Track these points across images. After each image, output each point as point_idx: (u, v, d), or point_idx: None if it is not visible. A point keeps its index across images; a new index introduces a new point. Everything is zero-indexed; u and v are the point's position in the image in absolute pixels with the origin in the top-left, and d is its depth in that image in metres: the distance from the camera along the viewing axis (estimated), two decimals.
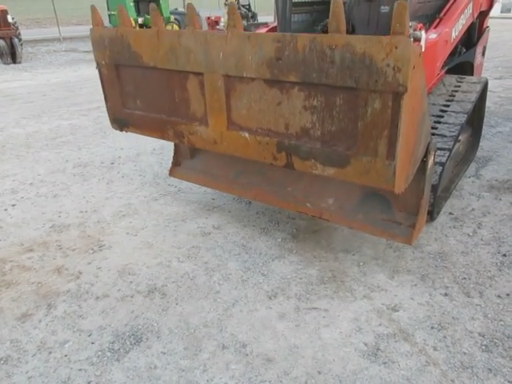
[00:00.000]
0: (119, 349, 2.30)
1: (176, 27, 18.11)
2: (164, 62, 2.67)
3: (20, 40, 12.95)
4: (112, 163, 4.88)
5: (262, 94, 2.40)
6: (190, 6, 2.53)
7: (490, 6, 4.92)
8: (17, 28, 12.88)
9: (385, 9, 3.67)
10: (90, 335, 2.40)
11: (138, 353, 2.28)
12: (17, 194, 4.14)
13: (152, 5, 2.75)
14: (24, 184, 4.37)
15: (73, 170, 4.73)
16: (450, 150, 3.23)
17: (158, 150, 5.24)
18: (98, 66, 3.09)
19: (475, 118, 4.45)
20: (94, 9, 2.85)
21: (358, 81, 2.01)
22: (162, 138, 3.05)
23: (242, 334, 2.39)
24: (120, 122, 3.28)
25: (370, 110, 2.06)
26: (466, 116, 3.47)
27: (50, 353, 2.28)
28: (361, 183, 2.35)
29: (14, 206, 3.91)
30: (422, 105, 2.19)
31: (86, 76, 10.52)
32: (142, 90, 2.99)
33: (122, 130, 3.26)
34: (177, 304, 2.63)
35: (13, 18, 12.52)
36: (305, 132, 2.35)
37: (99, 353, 2.28)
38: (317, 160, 2.37)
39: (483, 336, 2.36)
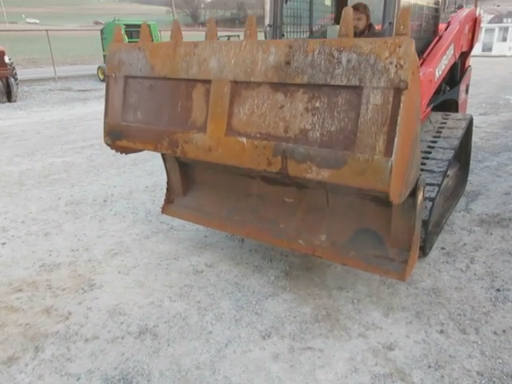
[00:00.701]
0: None
1: None
2: (175, 72, 2.85)
3: (16, 79, 13.15)
4: (105, 201, 4.87)
5: (266, 98, 2.53)
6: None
7: (471, 47, 5.12)
8: (13, 68, 13.10)
9: None
10: (78, 379, 2.33)
11: None
12: (7, 233, 4.10)
13: (174, 20, 3.09)
14: (15, 222, 4.33)
15: (65, 207, 4.71)
16: (439, 185, 3.27)
17: (151, 188, 5.25)
18: (107, 79, 3.24)
19: (462, 154, 4.54)
20: (117, 27, 3.18)
21: (362, 79, 2.16)
22: (155, 149, 3.10)
23: (236, 377, 2.34)
24: (115, 134, 3.33)
25: (371, 106, 2.18)
26: (453, 152, 3.54)
27: None
28: (356, 185, 2.36)
29: (3, 244, 3.87)
30: (416, 119, 2.30)
31: (79, 114, 10.63)
32: (145, 101, 3.12)
33: (113, 145, 3.31)
34: (168, 345, 2.58)
35: (10, 59, 12.75)
36: (304, 134, 2.44)
37: None
38: (312, 162, 2.41)
39: (481, 375, 2.32)
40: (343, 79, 2.22)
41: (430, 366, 2.39)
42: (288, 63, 2.35)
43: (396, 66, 2.05)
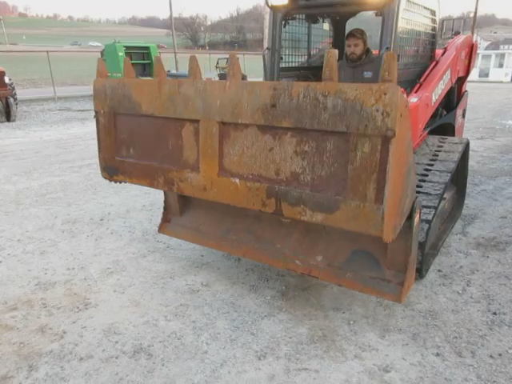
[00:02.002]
0: None
1: None
2: (162, 111, 2.81)
3: (15, 100, 13.25)
4: (101, 219, 4.88)
5: (254, 140, 2.49)
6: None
7: (467, 73, 5.22)
8: (13, 88, 13.21)
9: (368, 74, 3.87)
10: None
11: None
12: (3, 251, 4.08)
13: (157, 57, 3.02)
14: (11, 240, 4.32)
15: (61, 226, 4.70)
16: (436, 208, 3.29)
17: (148, 207, 5.26)
18: (96, 115, 3.22)
19: (459, 177, 4.59)
20: (100, 60, 3.09)
21: (348, 125, 2.12)
22: (152, 185, 3.09)
23: None
24: (111, 169, 3.33)
25: (359, 153, 2.16)
26: (449, 175, 3.58)
27: None
28: (349, 229, 2.38)
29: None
30: (408, 156, 2.29)
31: (78, 134, 10.70)
32: (137, 138, 3.09)
33: (111, 179, 3.30)
34: (163, 365, 2.55)
35: (10, 79, 12.87)
36: (295, 177, 2.42)
37: None
38: (306, 205, 2.42)
39: None
40: (330, 125, 2.19)
41: None
42: (274, 106, 2.32)
43: (382, 114, 2.01)
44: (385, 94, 1.98)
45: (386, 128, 2.02)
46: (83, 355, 2.64)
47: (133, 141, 3.13)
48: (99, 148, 3.29)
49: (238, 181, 2.61)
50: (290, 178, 2.44)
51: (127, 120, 3.08)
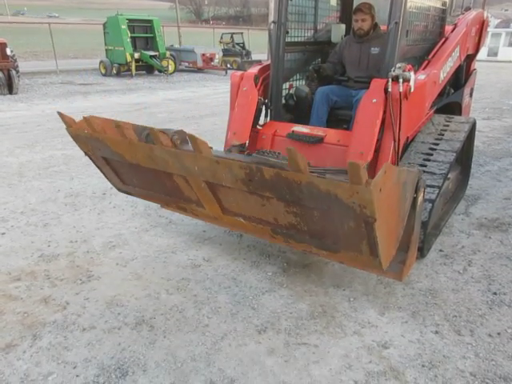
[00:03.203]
0: (104, 382, 2.24)
1: (171, 63, 18.52)
2: (146, 164, 2.74)
3: (17, 72, 13.10)
4: (104, 194, 4.88)
5: (245, 197, 2.47)
6: (154, 131, 2.56)
7: (477, 50, 5.12)
8: (15, 60, 13.05)
9: (375, 50, 3.80)
10: (74, 367, 2.34)
11: None
12: (7, 223, 4.10)
13: (116, 122, 2.77)
14: (15, 213, 4.34)
15: (64, 199, 4.71)
16: (440, 188, 3.28)
17: None
18: (86, 155, 3.16)
19: (464, 157, 4.55)
20: (61, 114, 2.96)
21: (330, 207, 2.08)
22: (168, 207, 3.30)
23: (230, 370, 2.35)
24: (124, 192, 3.46)
25: (346, 226, 2.17)
26: (454, 154, 3.54)
27: None
28: (354, 267, 2.64)
29: (3, 234, 3.87)
30: (399, 205, 2.28)
31: (81, 108, 10.62)
32: (135, 174, 3.08)
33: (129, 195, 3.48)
34: (164, 337, 2.59)
35: (11, 51, 12.70)
36: (293, 226, 2.47)
37: None
38: (311, 245, 2.53)
39: (474, 376, 2.33)
40: (311, 203, 2.14)
41: (423, 366, 2.40)
42: (251, 180, 2.26)
43: (360, 206, 1.95)
44: (357, 192, 1.90)
45: (365, 216, 1.97)
46: (86, 326, 2.68)
47: (133, 176, 3.11)
48: (105, 176, 3.36)
49: (242, 219, 2.70)
50: (289, 226, 2.49)
51: (117, 162, 3.03)
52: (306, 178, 2.01)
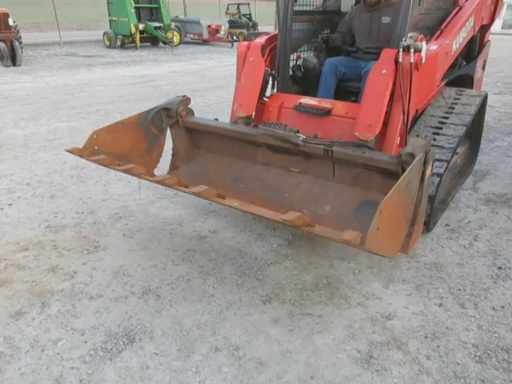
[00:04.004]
0: (112, 348, 2.29)
1: (177, 34, 18.24)
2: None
3: (20, 43, 12.93)
4: None
5: None
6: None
7: (492, 20, 4.96)
8: (18, 31, 12.86)
9: (386, 19, 3.70)
10: (83, 334, 2.38)
11: (130, 353, 2.26)
12: (13, 194, 4.12)
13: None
14: (21, 184, 4.36)
15: (70, 171, 4.72)
16: (448, 162, 3.25)
17: None
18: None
19: (474, 132, 4.49)
20: (68, 151, 3.04)
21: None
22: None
23: (235, 338, 2.38)
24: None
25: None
26: (464, 128, 3.50)
27: (43, 350, 2.27)
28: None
29: (10, 205, 3.90)
30: (404, 207, 2.32)
31: (85, 80, 10.54)
32: None
33: None
34: (171, 306, 2.62)
35: (14, 22, 12.52)
36: None
37: (92, 352, 2.26)
38: None
39: (477, 347, 2.36)
40: None
41: (426, 337, 2.43)
42: None
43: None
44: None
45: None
46: (93, 294, 2.72)
47: None
48: None
49: None
50: None
51: None
52: (310, 229, 2.16)
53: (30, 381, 2.10)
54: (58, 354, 2.25)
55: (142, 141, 3.46)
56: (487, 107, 4.54)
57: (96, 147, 3.10)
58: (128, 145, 3.35)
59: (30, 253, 3.15)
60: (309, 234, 2.29)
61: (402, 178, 2.18)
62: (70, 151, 3.02)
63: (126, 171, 2.81)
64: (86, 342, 2.32)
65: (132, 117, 3.39)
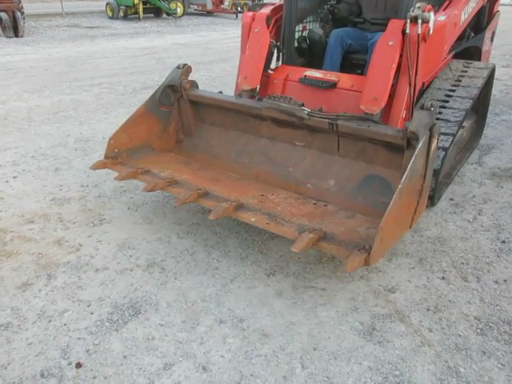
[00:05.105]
0: (118, 320, 2.33)
1: (180, 5, 17.90)
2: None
3: (22, 14, 12.74)
4: None
5: None
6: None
7: None
8: (19, 1, 12.67)
9: None
10: (89, 306, 2.42)
11: (136, 324, 2.30)
12: (18, 167, 4.13)
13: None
14: (25, 157, 4.36)
15: (74, 144, 4.71)
16: (454, 136, 3.21)
17: None
18: None
19: (480, 105, 4.42)
20: (93, 167, 3.21)
21: None
22: None
23: (240, 310, 2.42)
24: None
25: None
26: (471, 101, 3.44)
27: (50, 321, 2.31)
28: None
29: (15, 178, 3.91)
30: (410, 195, 2.43)
31: (88, 52, 10.42)
32: None
33: None
34: (175, 278, 2.65)
35: None
36: None
37: (98, 323, 2.30)
38: None
39: (479, 320, 2.38)
40: None
41: (428, 309, 2.45)
42: None
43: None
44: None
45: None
46: (99, 267, 2.75)
47: None
48: None
49: None
50: None
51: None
52: (320, 247, 2.34)
53: (38, 350, 2.14)
54: (65, 324, 2.29)
55: (156, 124, 3.51)
56: (494, 80, 4.46)
57: (116, 150, 3.24)
58: (145, 134, 3.43)
59: (35, 225, 3.17)
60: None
61: (403, 178, 2.23)
62: (95, 168, 3.14)
63: (151, 190, 2.89)
64: (92, 314, 2.36)
65: (140, 108, 3.40)
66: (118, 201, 3.54)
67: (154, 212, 3.38)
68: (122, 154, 3.27)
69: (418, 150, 2.32)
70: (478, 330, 2.31)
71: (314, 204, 2.80)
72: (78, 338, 2.20)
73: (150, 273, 2.70)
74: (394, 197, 2.16)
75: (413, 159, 2.29)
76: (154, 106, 3.44)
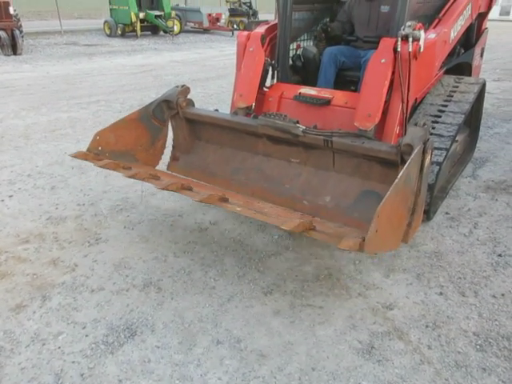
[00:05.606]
0: (113, 342, 2.30)
1: (177, 23, 18.09)
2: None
3: (21, 32, 12.87)
4: None
5: None
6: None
7: (489, 8, 4.94)
8: (18, 20, 12.80)
9: (385, 8, 3.67)
10: (84, 328, 2.40)
11: (132, 346, 2.28)
12: (14, 185, 4.13)
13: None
14: (22, 175, 4.36)
15: (71, 162, 4.71)
16: (447, 150, 3.24)
17: None
18: None
19: (473, 119, 4.47)
20: (74, 155, 3.14)
21: None
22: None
23: (237, 330, 2.40)
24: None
25: None
26: (463, 116, 3.48)
27: (44, 344, 2.28)
28: None
29: (11, 196, 3.90)
30: (404, 201, 2.38)
31: (85, 70, 10.49)
32: None
33: None
34: (172, 298, 2.64)
35: (15, 10, 12.44)
36: None
37: (93, 345, 2.28)
38: None
39: (478, 335, 2.37)
40: None
41: (427, 326, 2.44)
42: None
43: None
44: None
45: None
46: (95, 287, 2.73)
47: None
48: None
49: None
50: None
51: None
52: (310, 234, 2.26)
53: (31, 376, 2.11)
54: (59, 347, 2.26)
55: (145, 135, 3.48)
56: (486, 94, 4.52)
57: (100, 148, 3.18)
58: (131, 141, 3.38)
59: (30, 245, 3.16)
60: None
61: (399, 176, 2.19)
62: (75, 156, 3.09)
63: (131, 177, 2.86)
64: (87, 336, 2.34)
65: (133, 113, 3.39)
66: (114, 219, 3.53)
67: (150, 230, 3.37)
68: (105, 154, 3.20)
69: (413, 155, 2.33)
70: (478, 346, 2.30)
71: (301, 214, 2.79)
72: (73, 362, 2.18)
73: (146, 293, 2.68)
74: (390, 191, 2.11)
75: (408, 162, 2.29)
76: (146, 116, 3.43)
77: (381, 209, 2.00)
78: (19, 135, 5.58)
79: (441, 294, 2.70)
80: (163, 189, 2.70)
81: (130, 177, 2.83)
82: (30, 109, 6.87)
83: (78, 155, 3.09)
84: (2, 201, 3.82)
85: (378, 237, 2.03)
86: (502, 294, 2.69)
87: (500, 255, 3.07)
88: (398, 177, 2.19)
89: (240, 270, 2.91)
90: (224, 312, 2.53)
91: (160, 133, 3.55)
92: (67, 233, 3.33)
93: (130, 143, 3.37)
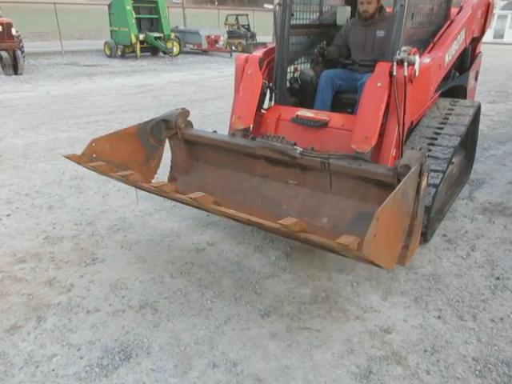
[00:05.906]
0: (108, 364, 2.27)
1: (176, 44, 18.33)
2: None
3: (23, 52, 13.02)
4: None
5: None
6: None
7: (482, 33, 5.04)
8: (20, 41, 12.96)
9: (380, 33, 3.75)
10: (78, 350, 2.37)
11: (126, 369, 2.25)
12: (12, 204, 4.12)
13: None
14: (20, 194, 4.36)
15: (69, 182, 4.72)
16: (444, 172, 3.26)
17: None
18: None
19: (469, 141, 4.52)
20: (67, 156, 3.14)
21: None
22: None
23: (233, 353, 2.37)
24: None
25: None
26: (459, 139, 3.52)
27: (38, 367, 2.25)
28: None
29: (8, 216, 3.89)
30: (401, 216, 2.34)
31: (85, 90, 10.58)
32: None
33: None
34: (168, 320, 2.61)
35: (17, 31, 12.61)
36: None
37: (87, 368, 2.25)
38: None
39: (477, 361, 2.34)
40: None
41: (425, 351, 2.41)
42: None
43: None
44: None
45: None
46: (90, 308, 2.70)
47: None
48: None
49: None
50: None
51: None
52: (307, 236, 2.20)
53: None
54: (53, 370, 2.23)
55: (141, 151, 3.47)
56: (481, 116, 4.58)
57: (94, 155, 3.15)
58: (126, 154, 3.37)
59: (27, 265, 3.14)
60: (306, 242, 2.32)
61: (397, 188, 2.19)
62: (68, 157, 3.06)
63: (123, 178, 2.81)
64: (81, 358, 2.31)
65: (131, 127, 3.41)
66: (111, 239, 3.52)
67: (147, 251, 3.36)
68: (99, 162, 3.12)
69: (410, 173, 2.35)
70: (477, 372, 2.27)
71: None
72: None
73: (142, 314, 2.66)
74: (388, 199, 2.10)
75: (405, 178, 2.30)
76: (144, 132, 3.45)
77: (380, 213, 1.98)
78: (18, 154, 5.60)
79: (439, 317, 2.68)
80: (157, 188, 2.65)
81: (121, 177, 2.78)
82: (30, 128, 6.90)
83: (72, 157, 3.06)
84: (0, 220, 3.82)
85: (375, 242, 2.00)
86: (501, 318, 2.67)
87: (498, 278, 3.07)
88: (396, 189, 2.19)
89: (237, 291, 2.89)
90: (220, 334, 2.50)
91: (155, 152, 3.57)
92: (64, 252, 3.31)
93: (124, 156, 3.35)
